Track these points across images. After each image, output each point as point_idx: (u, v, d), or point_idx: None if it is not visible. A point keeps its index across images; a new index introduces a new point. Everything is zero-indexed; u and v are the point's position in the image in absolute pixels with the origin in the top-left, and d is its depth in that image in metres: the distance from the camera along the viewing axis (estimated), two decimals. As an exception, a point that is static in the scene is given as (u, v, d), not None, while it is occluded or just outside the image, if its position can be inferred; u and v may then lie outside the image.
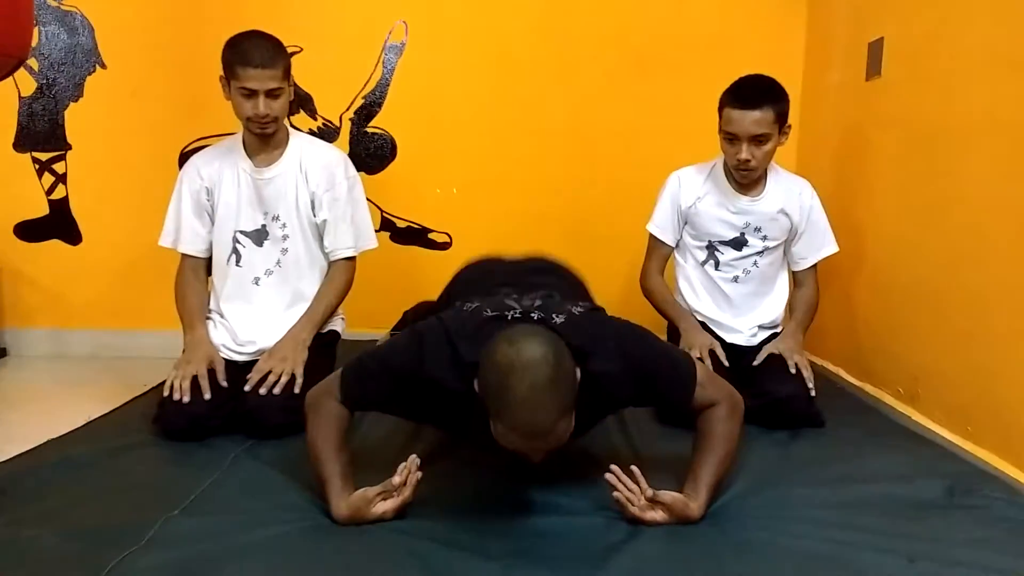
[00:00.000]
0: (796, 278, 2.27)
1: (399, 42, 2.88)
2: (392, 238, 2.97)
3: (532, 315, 1.41)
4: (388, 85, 2.90)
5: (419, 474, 1.44)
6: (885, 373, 2.29)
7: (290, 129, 2.08)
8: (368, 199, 2.90)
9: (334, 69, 2.85)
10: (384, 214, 2.96)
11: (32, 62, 2.79)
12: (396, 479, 1.42)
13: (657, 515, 1.42)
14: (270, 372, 1.89)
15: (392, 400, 1.51)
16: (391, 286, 2.81)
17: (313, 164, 2.05)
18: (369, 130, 2.92)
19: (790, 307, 2.29)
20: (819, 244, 2.23)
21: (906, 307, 2.19)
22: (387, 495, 1.42)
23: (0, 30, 1.75)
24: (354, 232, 2.11)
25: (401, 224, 2.98)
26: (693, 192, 2.22)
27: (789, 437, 1.93)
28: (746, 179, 2.13)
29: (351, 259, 2.12)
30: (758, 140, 2.04)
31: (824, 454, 1.82)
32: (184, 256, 2.08)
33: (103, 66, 2.85)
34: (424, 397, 1.45)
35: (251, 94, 1.90)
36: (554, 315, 1.41)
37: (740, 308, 2.23)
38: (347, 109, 2.90)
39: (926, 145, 2.10)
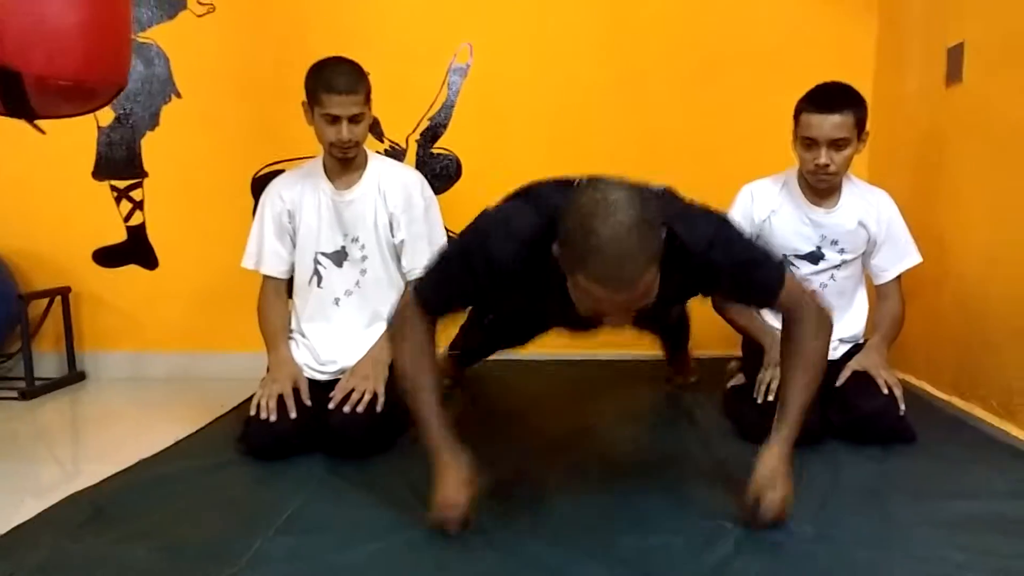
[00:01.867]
0: (879, 291, 2.20)
1: (464, 64, 2.91)
2: (458, 257, 2.98)
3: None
4: (453, 107, 2.92)
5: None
6: (976, 386, 2.21)
7: (368, 152, 2.11)
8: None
9: (400, 92, 2.88)
10: (450, 233, 2.97)
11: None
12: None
13: (772, 511, 1.42)
14: (353, 391, 1.91)
15: (469, 296, 1.53)
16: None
17: (391, 185, 2.07)
18: (435, 151, 2.95)
19: (873, 321, 2.23)
20: (900, 255, 2.16)
21: (998, 317, 2.11)
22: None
23: (108, 60, 1.82)
24: (431, 251, 2.11)
25: (467, 243, 2.99)
26: (767, 205, 2.18)
27: (882, 452, 1.87)
28: (823, 185, 2.08)
29: None
30: (837, 145, 1.99)
31: (922, 470, 1.76)
32: (266, 278, 2.11)
33: (178, 95, 2.93)
34: (498, 285, 1.41)
35: (335, 120, 1.93)
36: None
37: None
38: (413, 131, 2.94)
39: (1015, 151, 2.03)
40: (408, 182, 2.11)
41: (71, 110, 2.03)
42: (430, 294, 1.49)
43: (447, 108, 2.93)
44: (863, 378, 2.01)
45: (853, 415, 1.94)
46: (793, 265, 2.16)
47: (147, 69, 2.91)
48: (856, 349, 2.16)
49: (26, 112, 1.77)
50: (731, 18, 2.88)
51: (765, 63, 2.86)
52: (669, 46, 2.89)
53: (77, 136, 2.91)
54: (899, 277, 2.17)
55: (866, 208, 2.13)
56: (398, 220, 2.07)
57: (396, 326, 1.52)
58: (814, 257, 2.14)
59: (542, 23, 2.89)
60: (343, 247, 2.07)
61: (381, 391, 1.92)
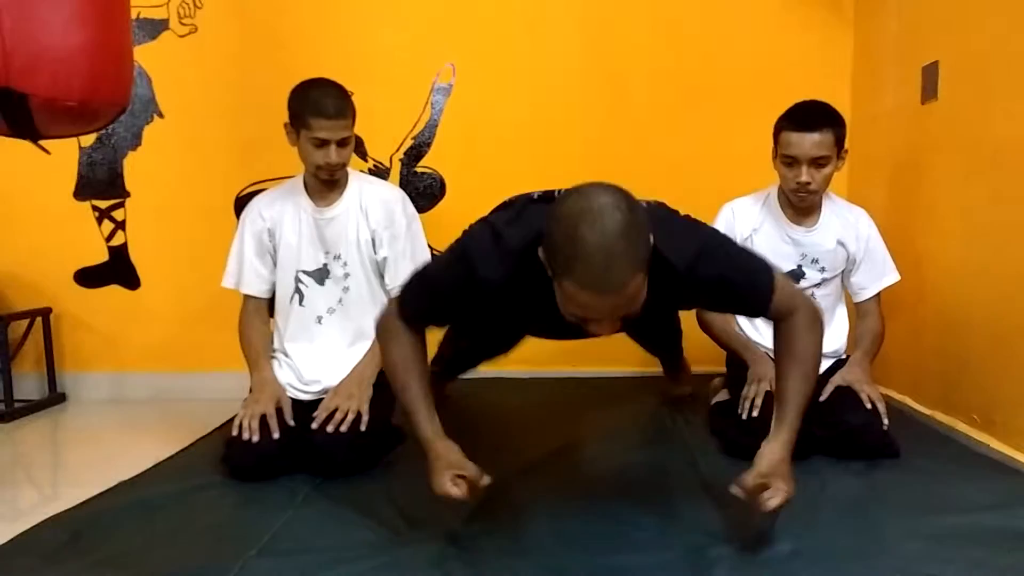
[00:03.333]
0: (859, 309, 2.23)
1: (447, 83, 2.92)
2: (443, 276, 2.98)
3: None
4: (437, 126, 2.94)
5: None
6: (957, 400, 2.22)
7: (349, 170, 2.11)
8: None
9: (384, 111, 2.89)
10: (434, 252, 2.97)
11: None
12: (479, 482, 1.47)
13: (778, 498, 1.37)
14: (336, 410, 1.89)
15: (454, 311, 1.56)
16: (443, 324, 2.82)
17: (373, 202, 2.07)
18: (418, 170, 2.96)
19: (855, 339, 2.24)
20: (879, 273, 2.19)
21: (978, 332, 2.13)
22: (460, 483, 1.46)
23: (111, 80, 1.82)
24: (414, 268, 2.11)
25: (451, 262, 2.99)
26: (748, 223, 2.20)
27: (866, 467, 1.87)
28: (804, 203, 2.11)
29: None
30: (818, 163, 2.02)
31: (906, 484, 1.76)
32: (247, 297, 2.10)
33: (160, 115, 2.93)
34: (483, 300, 1.44)
35: (323, 143, 1.92)
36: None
37: None
38: (397, 150, 2.95)
39: (990, 167, 2.06)
40: (390, 199, 2.11)
41: (75, 130, 2.04)
42: (413, 308, 1.51)
43: (431, 127, 2.94)
44: (847, 393, 2.02)
45: (838, 430, 1.94)
46: None
47: (130, 89, 2.90)
48: (838, 364, 2.17)
49: (31, 133, 1.77)
50: (712, 40, 2.92)
51: (745, 84, 2.90)
52: (651, 68, 2.92)
53: (58, 156, 2.88)
54: (878, 295, 2.19)
55: (845, 227, 2.16)
56: (380, 237, 2.07)
57: (382, 333, 1.55)
58: (795, 276, 2.16)
59: (525, 44, 2.91)
60: (324, 264, 2.06)
61: (365, 410, 1.90)
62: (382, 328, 1.55)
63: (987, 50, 2.08)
